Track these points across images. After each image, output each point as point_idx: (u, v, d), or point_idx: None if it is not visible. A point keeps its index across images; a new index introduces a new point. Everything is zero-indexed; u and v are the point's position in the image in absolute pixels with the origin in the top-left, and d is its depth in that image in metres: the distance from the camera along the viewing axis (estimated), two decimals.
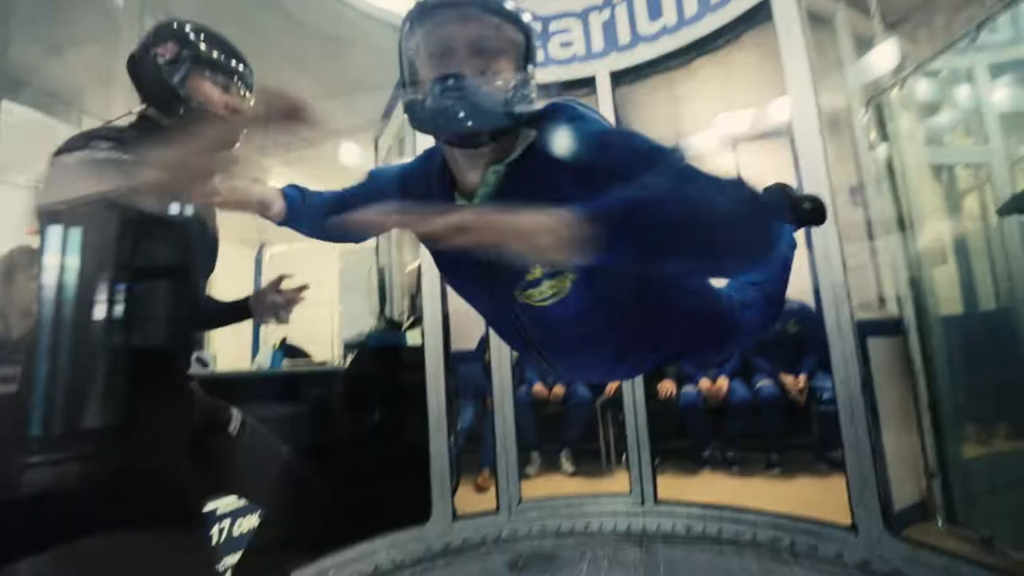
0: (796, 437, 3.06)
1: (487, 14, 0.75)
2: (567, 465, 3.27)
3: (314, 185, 1.16)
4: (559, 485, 3.04)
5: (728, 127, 3.94)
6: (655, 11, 2.81)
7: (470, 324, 3.57)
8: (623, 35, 2.88)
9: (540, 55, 2.95)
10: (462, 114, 0.72)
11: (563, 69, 2.95)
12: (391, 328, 2.70)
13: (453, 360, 2.81)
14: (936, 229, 2.74)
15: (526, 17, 0.81)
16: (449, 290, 2.74)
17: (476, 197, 0.81)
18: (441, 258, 0.96)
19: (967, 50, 2.62)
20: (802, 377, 2.99)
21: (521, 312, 0.87)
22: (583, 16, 2.95)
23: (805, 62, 2.39)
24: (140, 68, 1.08)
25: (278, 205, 1.04)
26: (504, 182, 0.80)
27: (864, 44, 2.70)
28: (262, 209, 1.02)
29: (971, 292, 2.78)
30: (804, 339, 3.08)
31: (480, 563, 2.29)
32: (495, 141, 0.77)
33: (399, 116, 3.29)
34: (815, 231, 2.35)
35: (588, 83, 2.94)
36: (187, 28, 1.10)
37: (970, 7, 2.41)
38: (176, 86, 1.06)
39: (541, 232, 0.56)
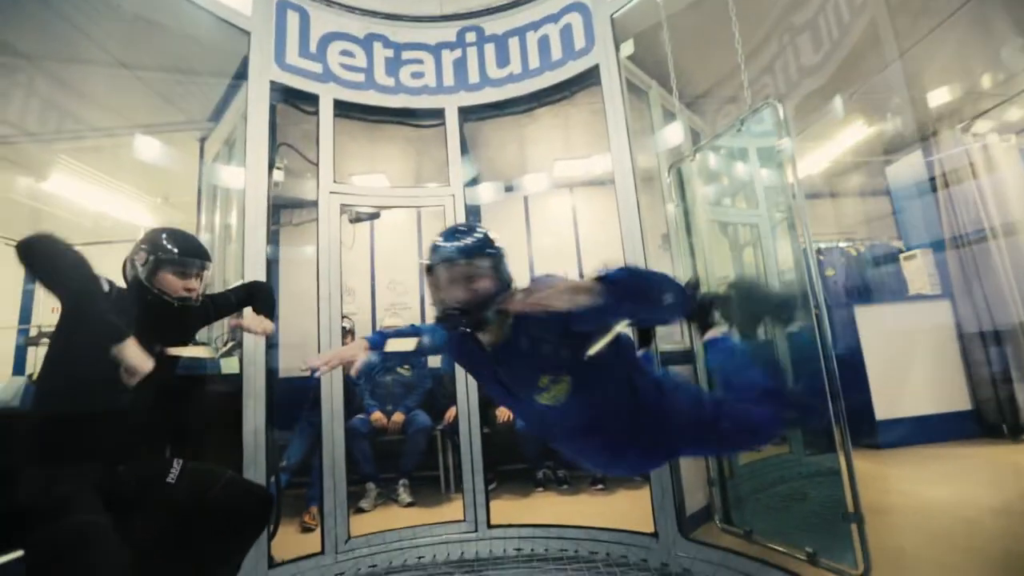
0: None
1: (466, 258, 1.29)
2: (404, 496, 3.17)
3: (104, 176, 1.10)
4: (394, 518, 2.92)
5: (564, 172, 4.36)
6: (503, 59, 3.02)
7: (301, 348, 3.32)
8: (472, 75, 3.03)
9: (391, 82, 2.97)
10: (468, 324, 1.29)
11: (414, 99, 2.99)
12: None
13: (280, 388, 2.58)
14: (723, 274, 3.33)
15: (493, 246, 1.35)
16: (281, 312, 2.53)
17: (496, 346, 1.33)
18: (480, 377, 1.53)
19: (741, 135, 3.29)
20: None
21: (544, 410, 1.32)
22: (436, 51, 3.05)
23: (624, 125, 2.76)
24: (125, 270, 1.67)
25: (363, 353, 1.50)
26: (511, 334, 1.30)
27: (670, 116, 3.23)
28: (353, 357, 1.48)
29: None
30: None
31: None
32: (492, 319, 1.27)
33: (230, 120, 3.00)
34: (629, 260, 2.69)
35: (438, 115, 3.02)
36: (156, 237, 1.65)
37: (738, 101, 3.06)
38: (145, 281, 1.62)
39: (581, 288, 1.04)
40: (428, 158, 3.93)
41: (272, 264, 2.48)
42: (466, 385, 2.72)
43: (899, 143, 4.54)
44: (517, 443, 3.29)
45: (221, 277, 2.99)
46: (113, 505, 1.37)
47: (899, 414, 3.72)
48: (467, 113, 3.05)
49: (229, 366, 2.21)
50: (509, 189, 4.42)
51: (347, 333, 3.24)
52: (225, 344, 2.38)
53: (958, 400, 3.78)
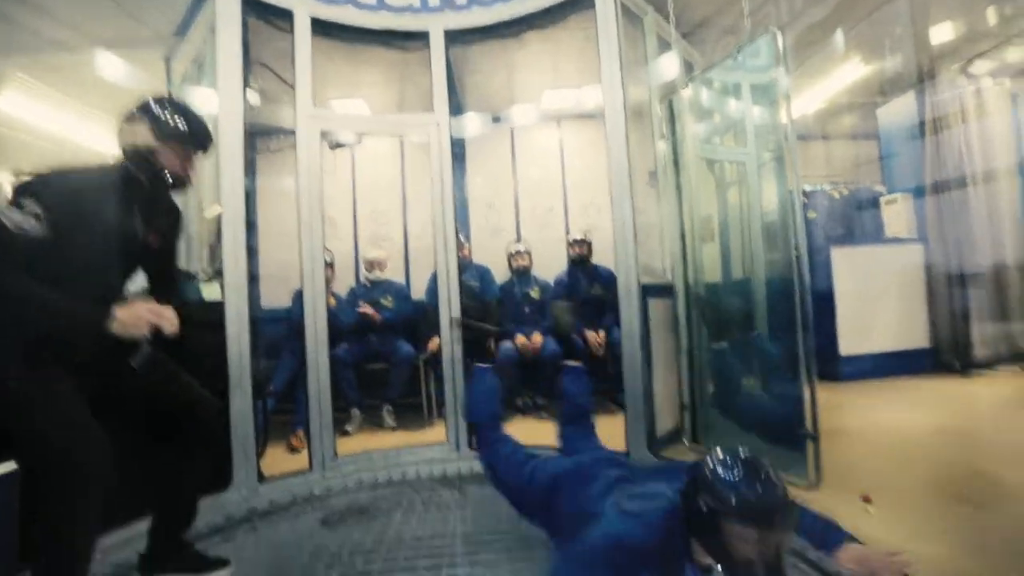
0: (595, 384, 3.53)
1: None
2: (388, 420, 3.31)
3: (64, 97, 1.02)
4: (379, 440, 3.06)
5: (553, 103, 4.21)
6: None
7: (282, 280, 3.32)
8: None
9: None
10: None
11: (396, 18, 2.82)
12: (183, 279, 2.36)
13: (265, 319, 2.60)
14: (707, 212, 3.35)
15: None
16: (261, 243, 2.50)
17: None
18: None
19: (736, 68, 3.19)
20: (602, 332, 3.44)
21: None
22: None
23: (617, 53, 2.66)
24: (123, 135, 1.47)
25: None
26: None
27: (665, 46, 3.10)
28: None
29: (728, 264, 3.46)
30: (606, 300, 3.54)
31: (290, 524, 2.21)
32: None
33: (197, 37, 2.80)
34: (617, 208, 2.68)
35: (422, 37, 2.86)
36: (159, 106, 1.49)
37: (737, 32, 2.94)
38: (146, 154, 1.45)
39: None
40: (411, 84, 3.75)
41: (250, 196, 2.42)
42: (449, 316, 2.77)
43: (895, 83, 4.46)
44: (498, 372, 3.40)
45: (197, 207, 2.91)
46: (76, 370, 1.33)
47: (862, 350, 3.91)
48: (453, 36, 2.89)
49: (211, 292, 2.21)
50: (496, 120, 4.28)
51: (328, 266, 3.22)
52: (205, 270, 2.36)
53: (918, 338, 3.98)
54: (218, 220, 2.33)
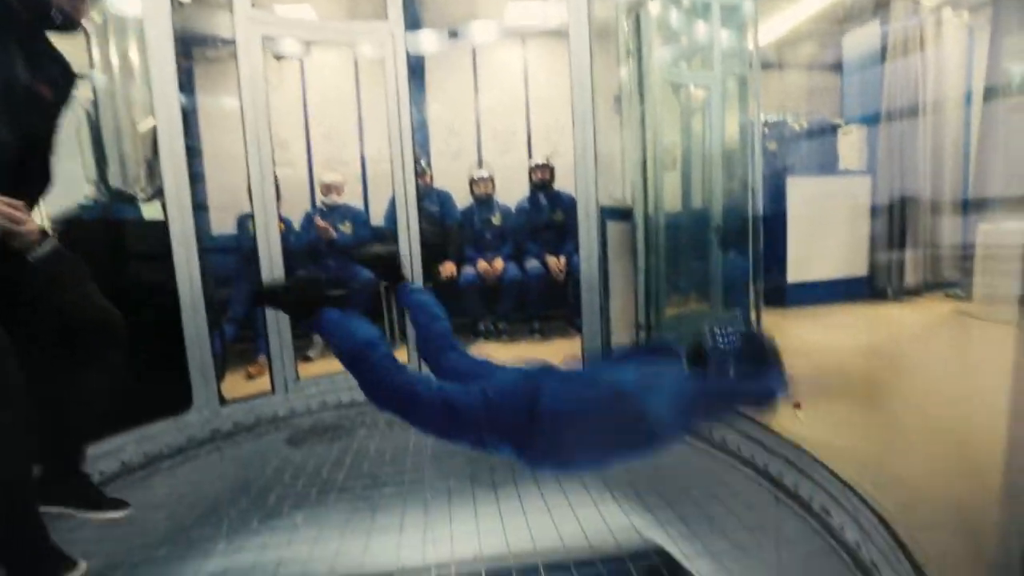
0: (555, 308, 3.63)
1: None
2: None
3: None
4: (340, 364, 3.09)
5: (516, 18, 3.97)
6: None
7: (232, 207, 3.16)
8: None
9: None
10: None
11: None
12: (118, 199, 2.20)
13: (216, 248, 2.49)
14: (671, 139, 3.33)
15: None
16: (207, 168, 2.35)
17: None
18: None
19: None
20: (563, 258, 3.49)
21: None
22: None
23: None
24: None
25: None
26: None
27: None
28: None
29: (688, 194, 3.50)
30: (568, 226, 3.56)
31: (254, 443, 2.26)
32: None
33: None
34: (579, 133, 2.63)
35: None
36: None
37: None
38: None
39: None
40: None
41: (188, 115, 2.23)
42: (408, 242, 2.73)
43: (861, 10, 4.40)
44: (460, 297, 3.44)
45: (128, 120, 2.67)
46: None
47: (808, 278, 4.13)
48: None
49: (151, 212, 2.09)
50: (454, 35, 4.01)
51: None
52: (143, 190, 2.21)
53: (859, 267, 4.23)
54: (153, 135, 2.15)
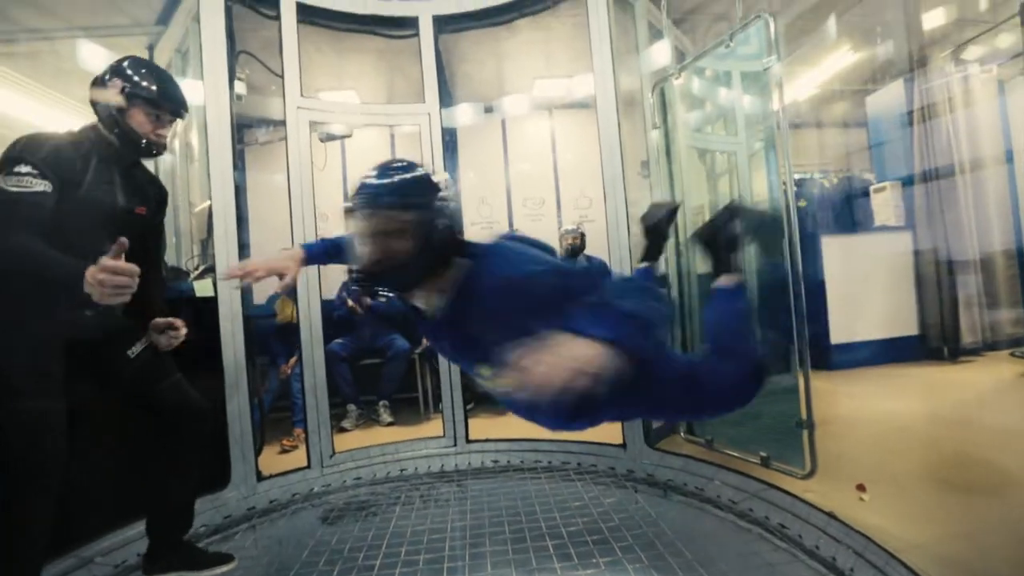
0: None
1: (381, 207, 0.97)
2: (385, 416, 3.30)
3: (41, 87, 1.01)
4: (376, 436, 3.05)
5: (545, 92, 4.18)
6: None
7: (272, 279, 3.28)
8: None
9: None
10: (377, 289, 1.10)
11: (385, 4, 2.76)
12: (173, 276, 2.31)
13: (257, 316, 2.57)
14: (699, 202, 3.35)
15: (423, 194, 0.99)
16: (252, 239, 2.47)
17: (430, 318, 1.10)
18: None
19: (727, 56, 3.17)
20: None
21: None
22: None
23: (607, 40, 2.63)
24: (96, 97, 1.46)
25: (296, 266, 1.40)
26: (449, 309, 1.04)
27: (656, 34, 3.08)
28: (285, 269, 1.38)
29: None
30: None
31: (289, 521, 2.21)
32: (417, 287, 1.04)
33: (180, 25, 2.73)
34: (610, 198, 2.68)
35: (411, 24, 2.81)
36: (133, 67, 1.47)
37: (728, 19, 2.93)
38: (116, 115, 1.44)
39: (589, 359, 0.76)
40: (401, 75, 3.70)
41: (239, 190, 2.38)
42: None
43: (885, 71, 4.47)
44: None
45: (186, 200, 2.86)
46: (72, 351, 1.35)
47: (852, 338, 3.96)
48: (442, 23, 2.84)
49: (203, 289, 2.18)
50: (488, 110, 4.24)
51: None
52: (196, 267, 2.32)
53: (907, 326, 4.04)
54: (207, 215, 2.29)
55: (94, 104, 1.46)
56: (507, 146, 4.46)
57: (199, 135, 2.62)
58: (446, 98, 3.13)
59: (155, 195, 1.59)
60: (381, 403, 3.36)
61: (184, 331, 1.59)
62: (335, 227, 4.21)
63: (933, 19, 3.96)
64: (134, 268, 1.12)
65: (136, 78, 1.45)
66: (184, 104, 1.55)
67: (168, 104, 1.49)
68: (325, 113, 2.85)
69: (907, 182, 4.21)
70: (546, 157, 4.41)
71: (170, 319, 1.59)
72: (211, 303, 2.15)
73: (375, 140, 4.38)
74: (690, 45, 3.43)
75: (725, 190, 3.68)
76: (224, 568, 1.63)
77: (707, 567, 1.66)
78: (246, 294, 2.30)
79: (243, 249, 2.32)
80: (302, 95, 2.61)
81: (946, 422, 2.71)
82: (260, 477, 2.27)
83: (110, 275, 1.09)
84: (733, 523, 1.99)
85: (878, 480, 1.99)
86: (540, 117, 4.43)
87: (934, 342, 3.89)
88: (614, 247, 2.64)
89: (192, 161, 2.85)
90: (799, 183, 5.20)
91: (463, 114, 4.19)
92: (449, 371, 2.72)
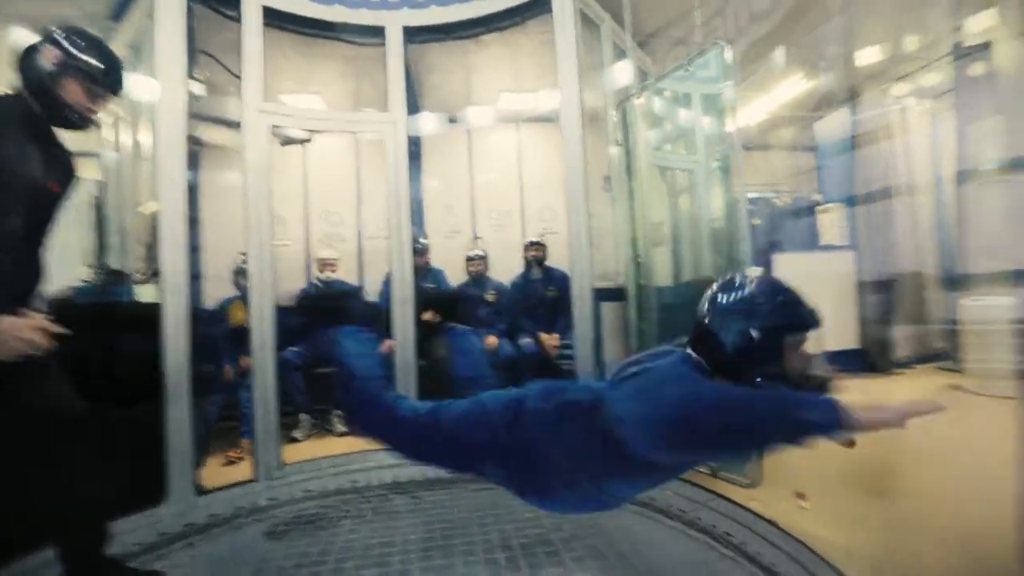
0: None
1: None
2: (339, 425, 3.22)
3: None
4: (329, 447, 2.97)
5: (511, 105, 4.23)
6: None
7: (225, 282, 3.18)
8: None
9: None
10: None
11: (352, 12, 2.75)
12: (113, 279, 2.20)
13: (207, 320, 2.48)
14: (659, 218, 3.45)
15: None
16: (205, 241, 2.39)
17: None
18: None
19: (687, 78, 3.30)
20: (555, 335, 3.48)
21: None
22: None
23: (574, 57, 2.70)
24: (26, 62, 1.36)
25: None
26: None
27: (621, 54, 3.17)
28: None
29: (679, 269, 3.57)
30: (561, 304, 3.58)
31: (231, 537, 2.12)
32: None
33: (137, 21, 2.64)
34: (573, 212, 2.72)
35: (379, 33, 2.80)
36: (72, 37, 1.38)
37: (688, 43, 3.06)
38: (48, 83, 1.35)
39: None
40: (368, 82, 3.67)
41: (193, 191, 2.30)
42: (402, 319, 2.73)
43: (830, 100, 4.74)
44: (453, 379, 3.39)
45: (132, 200, 2.74)
46: None
47: None
48: (411, 34, 2.84)
49: (146, 294, 2.08)
50: (453, 121, 4.25)
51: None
52: (142, 272, 2.22)
53: (849, 339, 4.25)
54: (155, 218, 2.20)
55: (22, 70, 1.36)
56: (472, 157, 4.48)
57: (150, 133, 2.52)
58: (412, 107, 3.12)
59: (67, 170, 1.48)
60: (335, 412, 3.28)
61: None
62: (292, 231, 4.11)
63: (869, 55, 4.25)
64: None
65: (75, 49, 1.37)
66: (122, 78, 1.46)
67: (107, 80, 1.41)
68: (287, 117, 2.80)
69: (850, 203, 4.47)
70: (512, 169, 4.46)
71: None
72: (155, 308, 2.06)
73: (338, 146, 4.32)
74: (652, 66, 3.55)
75: (685, 207, 3.80)
76: None
77: (654, 575, 1.69)
78: (195, 297, 2.22)
79: (194, 252, 2.24)
80: (264, 99, 2.56)
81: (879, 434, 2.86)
82: (200, 491, 2.17)
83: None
84: (683, 532, 2.03)
85: (816, 489, 2.08)
86: (507, 130, 4.48)
87: (872, 355, 4.11)
88: (575, 259, 2.68)
89: (141, 160, 2.74)
90: (753, 202, 5.43)
91: (428, 123, 4.20)
92: (407, 380, 2.69)
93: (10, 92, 1.36)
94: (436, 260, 3.91)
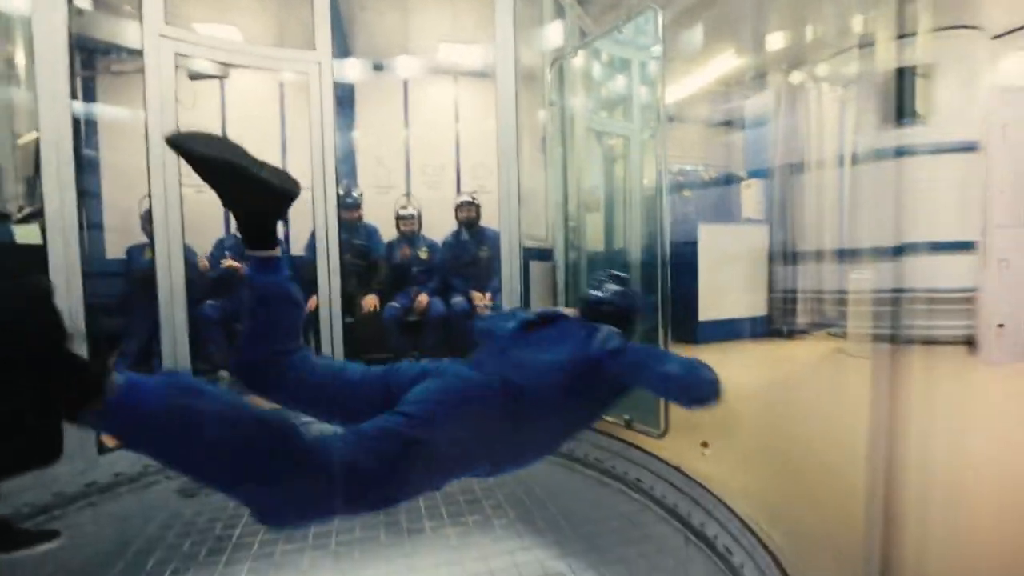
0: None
1: None
2: None
3: None
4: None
5: (449, 57, 4.07)
6: None
7: (124, 233, 2.92)
8: None
9: None
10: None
11: None
12: None
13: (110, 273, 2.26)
14: (594, 183, 3.51)
15: None
16: (102, 184, 2.15)
17: None
18: None
19: (626, 43, 3.31)
20: (487, 294, 3.51)
21: None
22: None
23: (511, 11, 2.61)
24: None
25: None
26: None
27: (560, 11, 3.11)
28: None
29: (611, 234, 3.67)
30: (493, 262, 3.59)
31: (138, 496, 2.02)
32: None
33: None
34: (504, 171, 2.70)
35: None
36: None
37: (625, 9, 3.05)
38: None
39: None
40: (292, 17, 3.38)
41: (86, 124, 2.05)
42: (327, 273, 2.64)
43: (757, 78, 4.95)
44: (383, 333, 3.35)
45: (8, 129, 2.40)
46: None
47: (715, 316, 4.45)
48: None
49: (26, 235, 1.86)
50: (380, 68, 4.02)
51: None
52: (20, 209, 1.97)
53: (759, 307, 4.62)
54: (36, 148, 1.94)
55: None
56: (408, 108, 4.29)
57: (26, 52, 2.20)
58: (340, 48, 2.92)
59: None
60: None
61: None
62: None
63: (780, 39, 4.47)
64: None
65: None
66: None
67: None
68: (195, 46, 2.53)
69: (767, 177, 4.76)
70: (448, 124, 4.32)
71: None
72: (38, 252, 1.85)
73: (259, 85, 3.98)
74: (593, 27, 3.52)
75: (620, 173, 3.89)
76: (46, 546, 1.43)
77: (568, 519, 1.81)
78: (94, 240, 2.02)
79: (83, 196, 2.01)
80: (166, 22, 2.29)
81: (773, 390, 3.17)
82: (102, 449, 2.03)
83: None
84: (597, 479, 2.18)
85: (717, 438, 2.29)
86: (444, 82, 4.31)
87: (777, 322, 4.49)
88: (504, 221, 2.68)
89: (17, 85, 2.39)
90: (685, 173, 5.64)
91: (356, 70, 3.95)
92: (331, 338, 2.63)
93: None
94: (368, 215, 3.77)
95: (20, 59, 2.28)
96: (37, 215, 1.89)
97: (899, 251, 0.84)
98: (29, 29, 1.94)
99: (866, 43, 3.63)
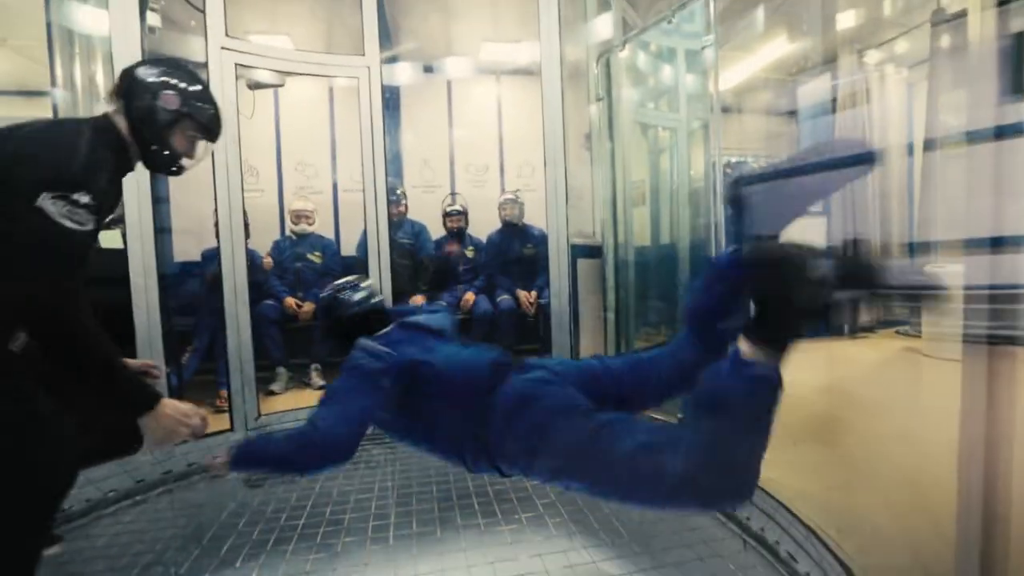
0: (524, 342, 3.63)
1: None
2: (316, 379, 3.23)
3: None
4: (307, 399, 2.99)
5: (492, 56, 4.08)
6: None
7: (195, 236, 3.08)
8: None
9: None
10: None
11: None
12: None
13: (178, 274, 2.41)
14: (639, 177, 3.44)
15: None
16: (173, 193, 2.28)
17: None
18: None
19: (672, 32, 3.21)
20: (533, 292, 3.51)
21: None
22: None
23: (556, 8, 2.60)
24: (137, 89, 1.23)
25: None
26: None
27: (605, 5, 3.07)
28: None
29: (657, 229, 3.59)
30: (538, 260, 3.59)
31: (209, 484, 2.14)
32: None
33: None
34: (550, 168, 2.69)
35: None
36: (188, 81, 1.29)
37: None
38: (161, 128, 1.25)
39: None
40: (340, 24, 3.48)
41: None
42: (379, 272, 2.71)
43: (812, 63, 4.71)
44: None
45: None
46: None
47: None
48: None
49: (109, 240, 2.01)
50: (428, 70, 4.08)
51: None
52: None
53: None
54: None
55: (135, 109, 1.21)
56: (452, 108, 4.34)
57: (105, 70, 2.36)
58: (388, 54, 2.99)
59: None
60: (313, 366, 3.28)
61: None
62: (264, 182, 3.98)
63: (852, 18, 4.21)
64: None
65: (195, 100, 1.28)
66: (221, 130, 1.39)
67: (216, 131, 1.35)
68: (253, 56, 2.64)
69: None
70: (492, 123, 4.35)
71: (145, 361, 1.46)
72: (120, 255, 1.99)
73: (311, 92, 4.13)
74: (638, 19, 3.45)
75: (666, 166, 3.79)
76: (51, 551, 1.49)
77: (622, 520, 1.78)
78: (164, 243, 2.15)
79: (157, 203, 2.15)
80: (227, 34, 2.41)
81: (832, 391, 3.01)
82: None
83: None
84: None
85: (776, 441, 2.20)
86: (487, 82, 4.33)
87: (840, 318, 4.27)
88: (552, 219, 2.67)
89: (97, 101, 2.57)
90: (734, 165, 5.44)
91: (404, 72, 4.03)
92: None
93: (101, 127, 1.18)
94: (415, 214, 3.85)
95: (100, 77, 2.47)
96: (118, 221, 2.03)
97: (997, 243, 0.77)
98: (109, 47, 2.08)
99: (939, 20, 3.38)
